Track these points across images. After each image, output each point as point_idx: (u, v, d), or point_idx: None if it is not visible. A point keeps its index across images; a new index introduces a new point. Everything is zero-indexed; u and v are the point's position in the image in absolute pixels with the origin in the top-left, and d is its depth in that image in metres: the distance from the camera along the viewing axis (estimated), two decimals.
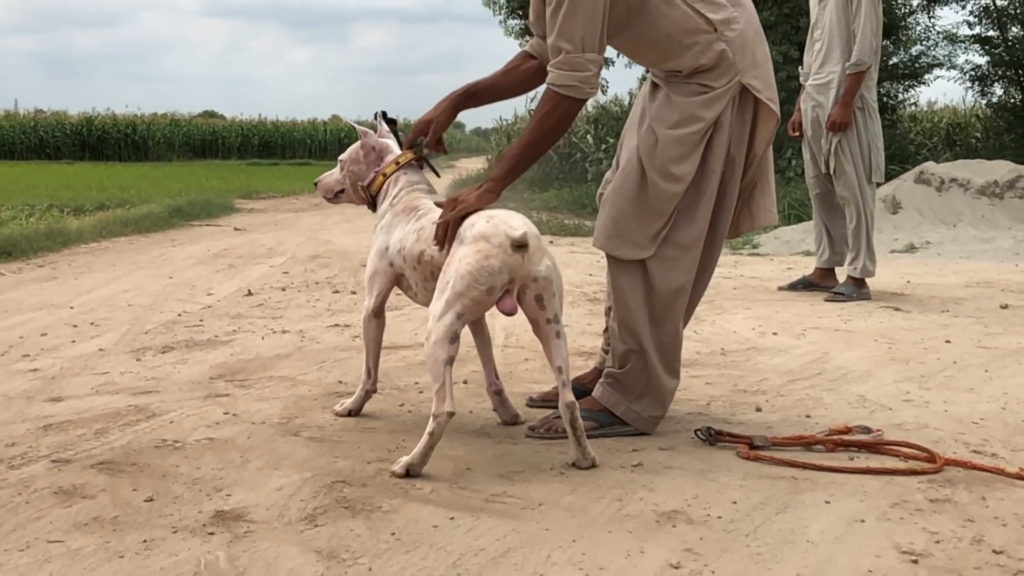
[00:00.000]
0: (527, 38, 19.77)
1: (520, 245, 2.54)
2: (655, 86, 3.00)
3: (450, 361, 2.57)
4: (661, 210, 2.88)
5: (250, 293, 6.08)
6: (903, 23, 16.01)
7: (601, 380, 3.08)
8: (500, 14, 19.67)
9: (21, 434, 2.96)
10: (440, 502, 2.43)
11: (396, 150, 3.16)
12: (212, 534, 2.22)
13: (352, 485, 2.53)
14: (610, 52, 16.94)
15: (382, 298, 3.06)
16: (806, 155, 6.25)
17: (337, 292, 6.20)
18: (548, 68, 2.81)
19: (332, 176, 3.26)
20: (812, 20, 6.20)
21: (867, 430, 3.01)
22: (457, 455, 2.78)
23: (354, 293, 6.12)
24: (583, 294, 6.04)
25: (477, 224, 2.61)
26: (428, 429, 2.57)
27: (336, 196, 3.28)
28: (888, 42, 14.88)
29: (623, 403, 3.00)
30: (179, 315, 5.26)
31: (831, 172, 6.03)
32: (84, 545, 2.15)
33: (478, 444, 2.90)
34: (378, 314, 3.10)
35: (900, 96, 16.85)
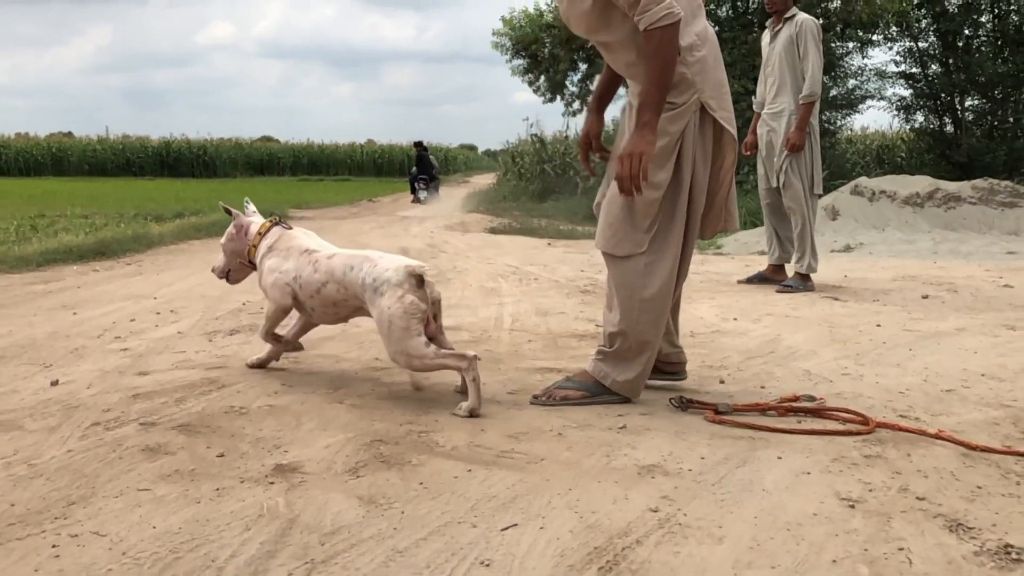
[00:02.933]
0: (529, 75, 19.76)
1: (421, 281, 2.81)
2: (631, 106, 2.98)
3: (434, 354, 2.82)
4: (647, 212, 2.87)
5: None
6: (841, 61, 15.93)
7: (593, 356, 3.07)
8: (506, 55, 19.70)
9: (114, 402, 2.96)
10: (459, 457, 2.43)
11: (258, 223, 3.32)
12: (272, 483, 2.22)
13: (387, 443, 2.53)
14: None
15: (281, 311, 3.23)
16: (760, 171, 6.22)
17: None
18: (636, 18, 2.66)
19: (219, 262, 3.41)
20: (764, 58, 6.18)
21: (812, 398, 3.01)
22: (473, 419, 2.78)
23: None
24: (576, 287, 6.03)
25: (387, 274, 2.83)
26: (471, 378, 2.79)
27: (227, 276, 3.45)
28: (827, 77, 14.80)
29: (611, 375, 3.00)
30: (243, 304, 5.25)
31: (780, 186, 6.01)
32: (167, 493, 2.16)
33: (490, 410, 2.89)
34: (290, 306, 3.23)
35: (839, 122, 16.75)
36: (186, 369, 3.48)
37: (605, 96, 3.21)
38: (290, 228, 3.31)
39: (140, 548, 1.85)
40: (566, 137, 19.55)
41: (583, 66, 19.10)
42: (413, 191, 20.82)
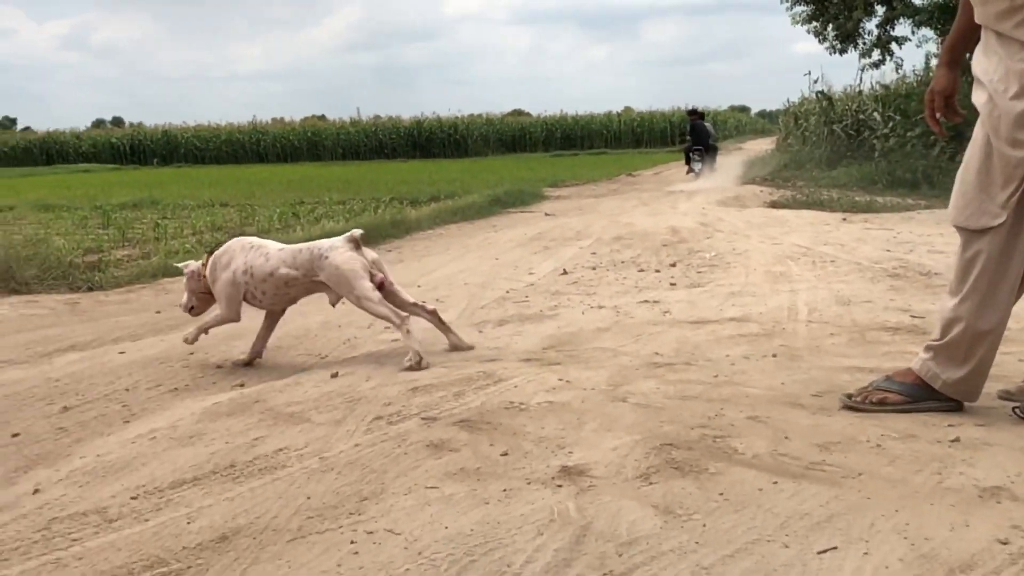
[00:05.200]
0: (814, 23, 18.91)
1: (357, 244, 3.78)
2: (988, 53, 2.76)
3: (379, 300, 3.74)
4: (1011, 176, 2.66)
5: (565, 272, 6.26)
6: None
7: (921, 354, 2.91)
8: (786, 1, 18.92)
9: (394, 395, 3.23)
10: (762, 467, 2.41)
11: (197, 263, 4.12)
12: (560, 486, 2.32)
13: (679, 448, 2.56)
14: (902, 31, 15.63)
15: (237, 309, 3.96)
16: None
17: (642, 271, 6.24)
18: None
19: (183, 300, 4.15)
20: None
21: None
22: (774, 424, 2.74)
23: (658, 272, 6.14)
24: (883, 270, 5.72)
25: (329, 241, 3.84)
26: (403, 334, 3.70)
27: (191, 310, 4.15)
28: None
29: (940, 376, 2.83)
30: (507, 292, 5.50)
31: None
32: (455, 492, 2.32)
33: (793, 415, 2.84)
34: (238, 319, 4.00)
35: None
36: (461, 361, 3.70)
37: (958, 46, 3.01)
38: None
39: (435, 549, 2.01)
40: (859, 92, 18.51)
41: (881, 9, 17.96)
42: (688, 162, 20.68)
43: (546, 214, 11.52)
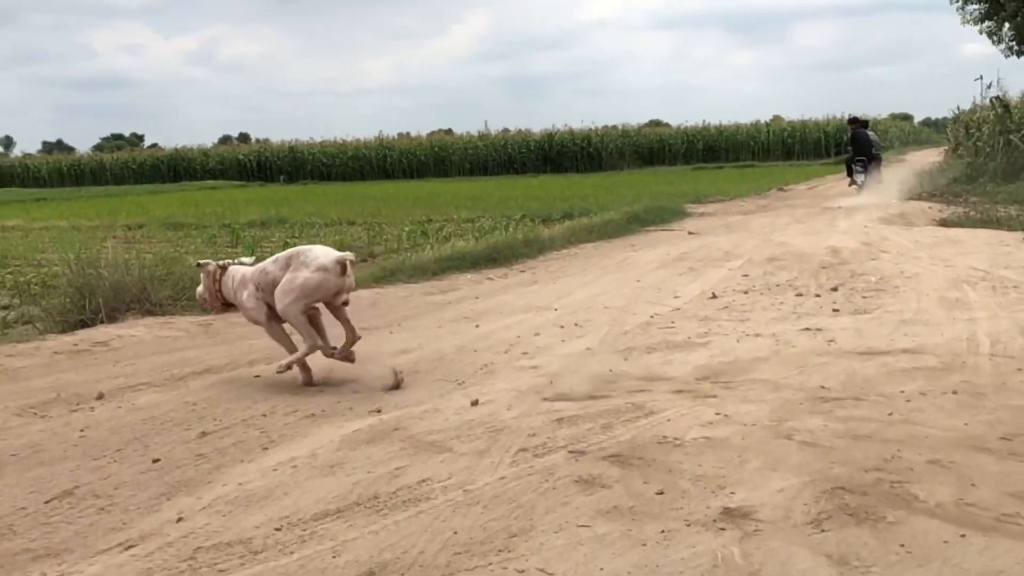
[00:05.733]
0: (987, 23, 18.21)
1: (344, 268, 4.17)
2: None
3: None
4: None
5: (714, 296, 6.18)
6: None
7: None
8: (957, 0, 18.30)
9: (538, 425, 3.25)
10: (947, 517, 2.32)
11: (213, 266, 4.62)
12: (723, 529, 2.30)
13: (852, 492, 2.49)
14: None
15: (266, 311, 4.40)
16: None
17: (800, 295, 6.10)
18: None
19: (199, 290, 4.72)
20: None
21: None
22: (958, 469, 2.64)
23: (818, 296, 5.98)
24: None
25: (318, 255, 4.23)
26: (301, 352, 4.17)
27: (205, 303, 4.72)
28: None
29: None
30: (651, 317, 5.47)
31: None
32: (609, 531, 2.32)
33: (979, 459, 2.73)
34: (271, 318, 4.42)
35: None
36: (607, 392, 3.70)
37: None
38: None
39: None
40: None
41: None
42: (849, 174, 20.15)
43: (689, 232, 11.39)
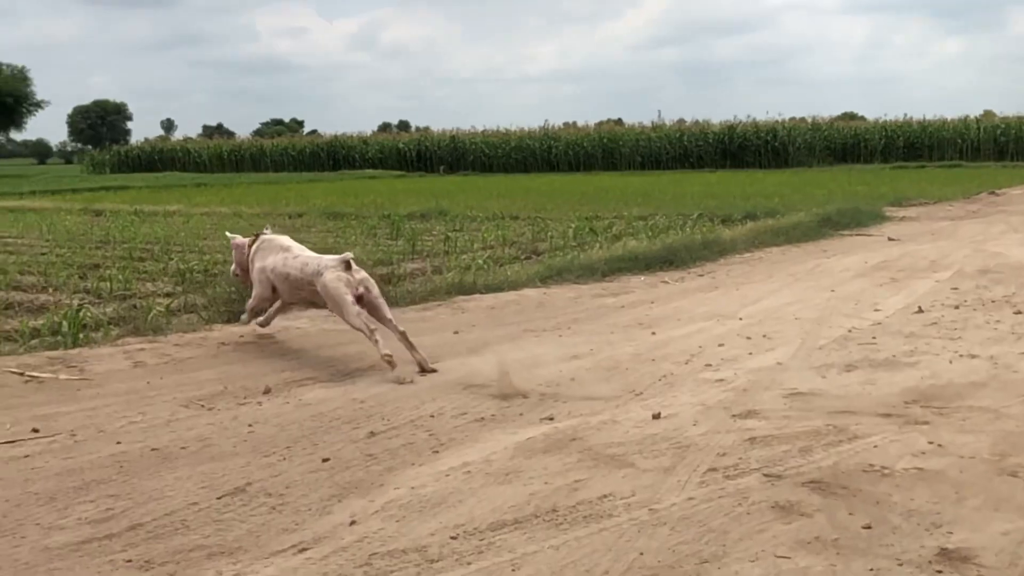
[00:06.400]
0: None
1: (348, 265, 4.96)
2: None
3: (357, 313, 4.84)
4: None
5: (920, 310, 5.97)
6: None
7: None
8: None
9: (729, 444, 3.23)
10: None
11: (243, 241, 5.74)
12: (940, 572, 2.23)
13: None
14: None
15: (262, 298, 5.54)
16: None
17: (1019, 313, 5.82)
18: None
19: (232, 267, 5.86)
20: None
21: None
22: None
23: None
24: None
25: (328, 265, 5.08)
26: (375, 342, 4.66)
27: (237, 276, 5.83)
28: None
29: None
30: (849, 331, 5.33)
31: None
32: (810, 565, 2.29)
33: None
34: (258, 313, 5.61)
35: None
36: (803, 411, 3.64)
37: None
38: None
39: None
40: None
41: None
42: None
43: (889, 238, 11.02)
